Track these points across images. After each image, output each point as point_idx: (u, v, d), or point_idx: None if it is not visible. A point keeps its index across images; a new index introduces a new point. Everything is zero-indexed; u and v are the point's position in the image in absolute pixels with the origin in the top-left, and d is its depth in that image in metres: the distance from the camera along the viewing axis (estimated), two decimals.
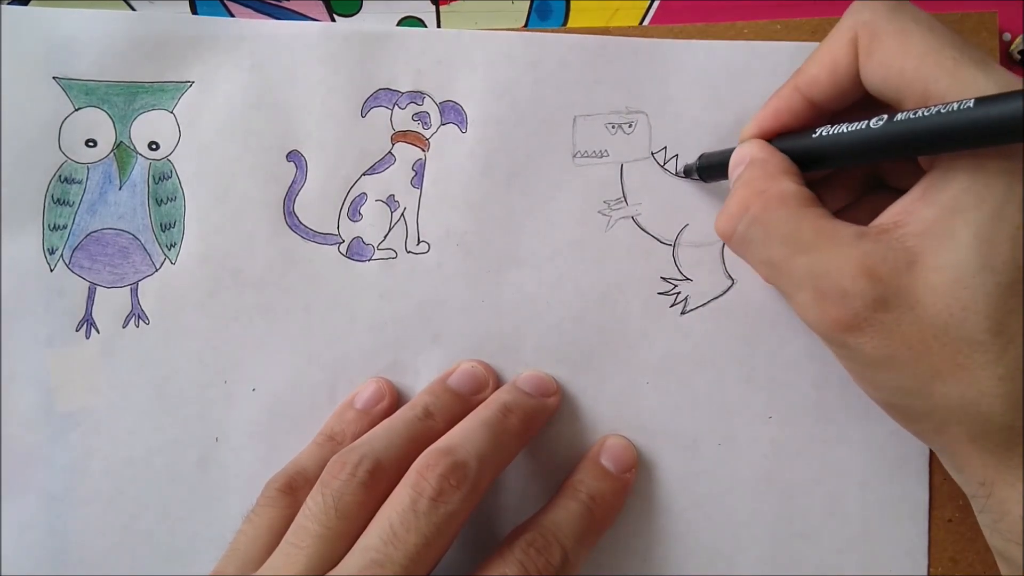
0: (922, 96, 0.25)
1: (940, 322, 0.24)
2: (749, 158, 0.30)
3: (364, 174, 0.36)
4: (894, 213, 0.26)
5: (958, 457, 0.27)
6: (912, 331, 0.25)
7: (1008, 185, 0.24)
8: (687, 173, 0.35)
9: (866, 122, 0.27)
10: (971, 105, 0.23)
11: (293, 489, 0.31)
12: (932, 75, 0.25)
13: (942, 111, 0.24)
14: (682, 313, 0.36)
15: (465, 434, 0.31)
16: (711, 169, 0.34)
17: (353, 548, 0.28)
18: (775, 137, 0.30)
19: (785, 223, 0.27)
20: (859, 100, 0.29)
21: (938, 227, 0.25)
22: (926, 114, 0.24)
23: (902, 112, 0.25)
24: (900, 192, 0.27)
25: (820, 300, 0.26)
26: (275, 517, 0.31)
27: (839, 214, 0.31)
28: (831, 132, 0.28)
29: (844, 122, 0.27)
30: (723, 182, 0.34)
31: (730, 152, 0.31)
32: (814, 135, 0.29)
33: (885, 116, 0.26)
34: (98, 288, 0.36)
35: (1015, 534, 0.26)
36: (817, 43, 0.35)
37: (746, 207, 0.28)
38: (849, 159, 0.28)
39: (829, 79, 0.28)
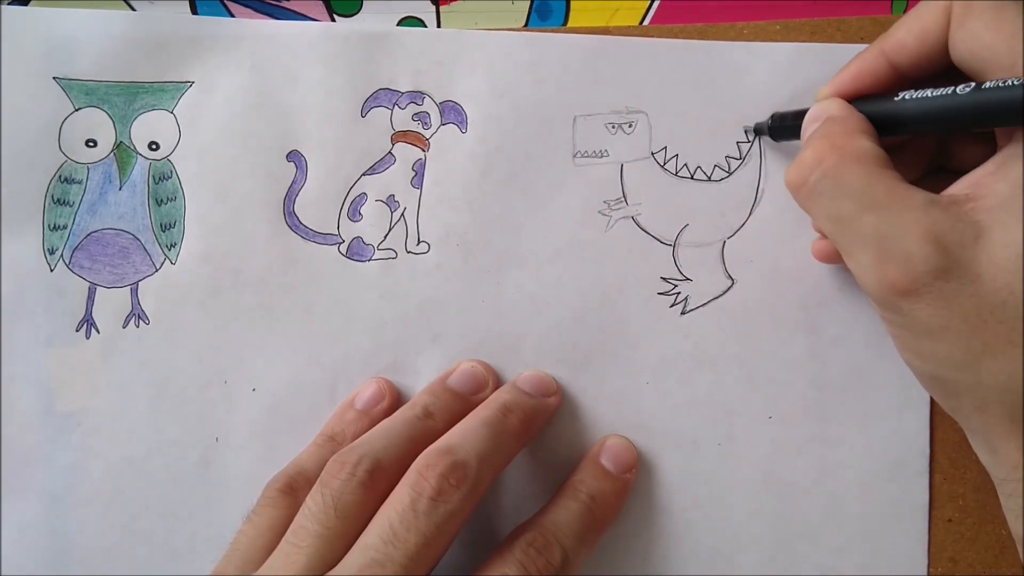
0: (1010, 72, 0.25)
1: (999, 298, 0.24)
2: (827, 115, 0.29)
3: (364, 174, 0.36)
4: (966, 185, 0.26)
5: (994, 438, 0.26)
6: (970, 304, 0.25)
7: None
8: (757, 132, 0.35)
9: (952, 88, 0.26)
10: None
11: (293, 489, 0.31)
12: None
13: None
14: (682, 313, 0.36)
15: (465, 434, 0.31)
16: (783, 128, 0.34)
17: (353, 548, 0.28)
18: (854, 99, 0.30)
19: (858, 179, 0.27)
20: (941, 71, 0.29)
21: (1008, 203, 0.25)
22: (1015, 83, 0.24)
23: (989, 81, 0.25)
24: (961, 175, 0.27)
25: (882, 261, 0.26)
26: (275, 517, 0.31)
27: None
28: (915, 96, 0.28)
29: (927, 88, 0.27)
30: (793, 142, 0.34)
31: (805, 111, 0.31)
32: (896, 98, 0.28)
33: (972, 83, 0.26)
34: (98, 288, 0.36)
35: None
36: (817, 43, 0.36)
37: (820, 159, 0.28)
38: (930, 125, 0.28)
39: (917, 45, 0.28)
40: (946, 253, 0.25)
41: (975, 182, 0.26)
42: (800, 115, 0.32)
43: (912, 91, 0.28)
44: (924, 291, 0.25)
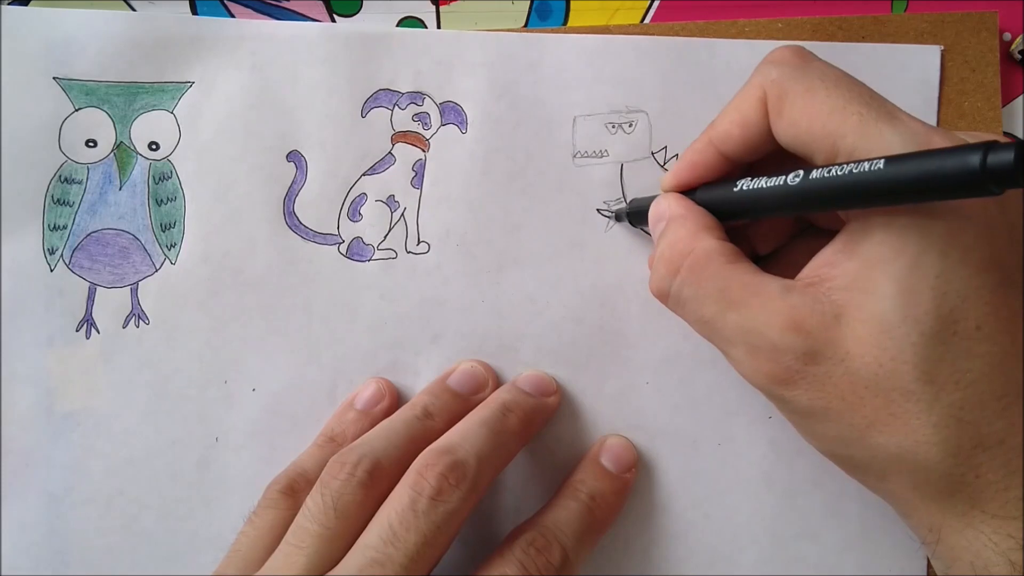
0: (832, 152, 0.26)
1: (870, 373, 0.25)
2: (668, 215, 0.30)
3: (364, 174, 0.36)
4: (817, 266, 0.26)
5: (903, 504, 0.27)
6: (844, 383, 0.25)
7: (923, 236, 0.24)
8: (618, 218, 0.36)
9: (783, 177, 0.26)
10: (881, 166, 0.23)
11: (294, 491, 0.31)
12: (839, 131, 0.25)
13: (854, 170, 0.24)
14: None
15: (464, 433, 0.31)
16: (638, 216, 0.34)
17: (353, 548, 0.28)
18: (697, 188, 0.31)
19: (713, 281, 0.27)
20: (773, 152, 0.29)
21: (860, 280, 0.25)
22: (839, 173, 0.24)
23: (817, 169, 0.25)
24: (830, 233, 0.27)
25: (753, 355, 0.27)
26: (276, 518, 0.31)
27: (771, 256, 0.32)
28: (750, 187, 0.28)
29: (763, 176, 0.27)
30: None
31: (652, 200, 0.32)
32: (735, 188, 0.29)
33: (802, 172, 0.26)
34: (98, 288, 0.36)
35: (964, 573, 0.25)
36: (819, 42, 0.36)
37: (675, 269, 0.28)
38: (768, 212, 0.28)
39: (741, 135, 0.29)
40: (810, 336, 0.25)
41: (826, 262, 0.26)
42: (648, 203, 0.32)
43: (748, 180, 0.28)
44: (797, 377, 0.26)
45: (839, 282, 0.25)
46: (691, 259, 0.28)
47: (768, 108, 0.28)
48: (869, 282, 0.25)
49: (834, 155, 0.26)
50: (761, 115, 0.28)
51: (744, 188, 0.28)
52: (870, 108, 0.25)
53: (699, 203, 0.30)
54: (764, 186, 0.27)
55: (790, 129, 0.27)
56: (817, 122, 0.26)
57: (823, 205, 0.26)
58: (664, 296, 0.29)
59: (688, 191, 0.31)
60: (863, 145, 0.25)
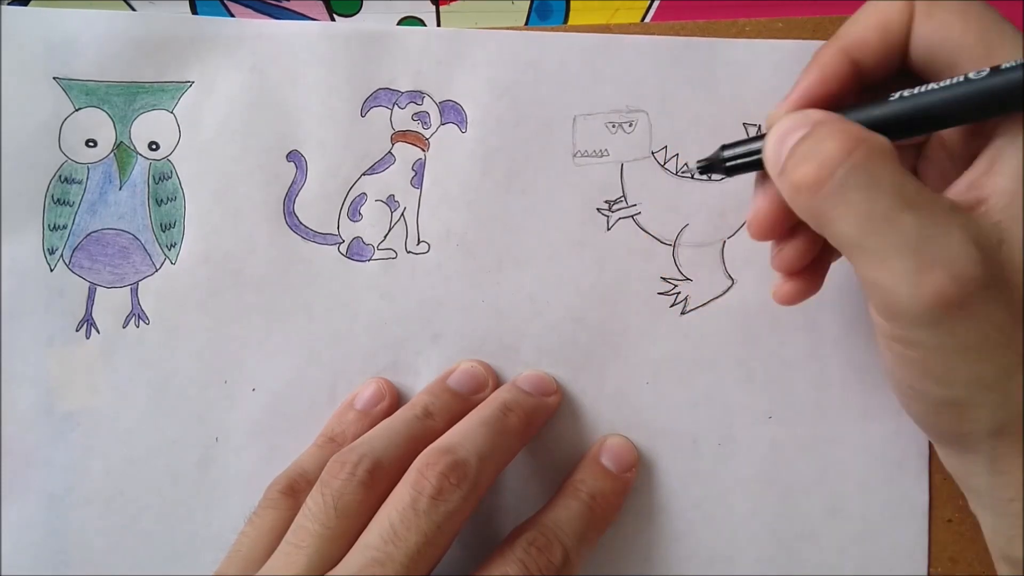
0: (981, 64, 0.24)
1: (997, 335, 0.23)
2: (813, 122, 0.25)
3: (364, 174, 0.36)
4: (967, 188, 0.24)
5: (1005, 460, 0.25)
6: (1003, 315, 0.23)
7: None
8: (704, 171, 0.29)
9: (960, 78, 0.24)
10: None
11: (295, 491, 0.31)
12: (996, 43, 0.24)
13: None
14: (682, 313, 0.36)
15: (465, 433, 0.31)
16: (739, 160, 0.28)
17: (354, 547, 0.28)
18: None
19: (892, 175, 0.23)
20: (896, 72, 0.27)
21: (1013, 189, 0.23)
22: None
23: (1005, 64, 0.23)
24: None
25: (926, 269, 0.23)
26: (277, 519, 0.31)
27: None
28: (914, 93, 0.25)
29: (907, 88, 0.25)
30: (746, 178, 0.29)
31: (762, 136, 0.27)
32: (892, 97, 0.25)
33: (985, 69, 0.24)
34: (98, 288, 0.36)
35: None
36: (818, 41, 0.35)
37: (848, 152, 0.24)
38: (931, 123, 0.25)
39: (880, 41, 0.26)
40: (987, 258, 0.23)
41: (973, 183, 0.24)
42: (760, 139, 0.27)
43: (906, 90, 0.25)
44: (969, 301, 0.23)
45: (996, 202, 0.23)
46: (867, 146, 0.24)
47: (915, 10, 0.25)
48: (1017, 190, 0.23)
49: (985, 66, 0.23)
50: (906, 18, 0.25)
51: (905, 95, 0.25)
52: (1015, 31, 0.24)
53: None
54: (937, 88, 0.24)
55: (940, 31, 0.25)
56: (971, 29, 0.24)
57: (1004, 106, 0.23)
58: (820, 183, 0.24)
59: None
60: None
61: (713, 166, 0.29)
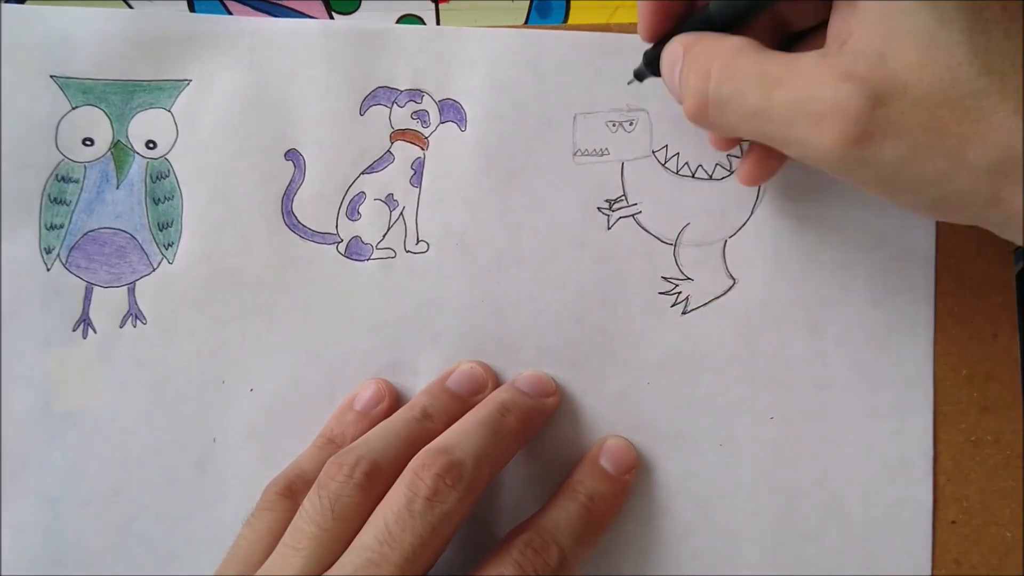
0: None
1: (937, 90, 0.24)
2: (681, 47, 0.28)
3: (363, 173, 0.36)
4: (836, 29, 0.26)
5: (1017, 214, 0.25)
6: (918, 113, 0.24)
7: None
8: (639, 77, 0.32)
9: None
10: None
11: (293, 492, 0.31)
12: None
13: None
14: (683, 313, 0.35)
15: (462, 433, 0.31)
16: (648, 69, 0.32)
17: (349, 548, 0.28)
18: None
19: (751, 68, 0.26)
20: None
21: (882, 11, 0.25)
22: None
23: None
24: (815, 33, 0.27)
25: (818, 125, 0.25)
26: (275, 520, 0.30)
27: None
28: None
29: None
30: None
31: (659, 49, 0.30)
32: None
33: None
34: (95, 288, 0.36)
35: None
36: None
37: (706, 73, 0.27)
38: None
39: None
40: (866, 81, 0.24)
41: (841, 20, 0.26)
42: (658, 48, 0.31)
43: None
44: (872, 129, 0.24)
45: (864, 25, 0.25)
46: (721, 58, 0.27)
47: None
48: (890, 7, 0.24)
49: None
50: None
51: None
52: None
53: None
54: None
55: None
56: None
57: None
58: (703, 108, 0.28)
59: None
60: None
61: (641, 73, 0.32)
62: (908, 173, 0.25)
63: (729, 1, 0.28)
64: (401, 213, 0.36)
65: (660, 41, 0.30)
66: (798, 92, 0.25)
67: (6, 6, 0.35)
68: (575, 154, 0.36)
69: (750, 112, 0.26)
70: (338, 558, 0.28)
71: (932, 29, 0.24)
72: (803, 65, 0.25)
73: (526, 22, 0.37)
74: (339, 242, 0.36)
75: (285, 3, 0.37)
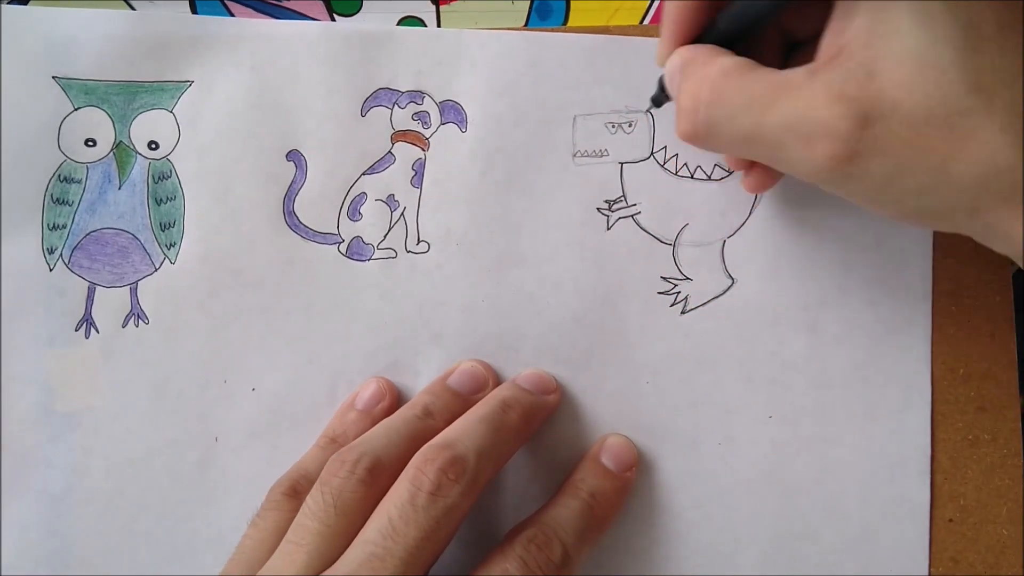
0: None
1: (925, 108, 0.24)
2: (680, 63, 0.29)
3: (364, 174, 0.36)
4: (829, 43, 0.26)
5: (999, 225, 0.26)
6: (904, 131, 0.25)
7: None
8: (656, 103, 0.33)
9: None
10: None
11: (297, 492, 0.31)
12: None
13: None
14: (682, 313, 0.36)
15: (463, 429, 0.31)
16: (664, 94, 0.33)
17: (352, 543, 0.28)
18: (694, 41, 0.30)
19: (739, 92, 0.27)
20: None
21: (874, 29, 0.25)
22: None
23: None
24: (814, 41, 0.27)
25: (808, 144, 0.25)
26: (280, 520, 0.31)
27: None
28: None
29: None
30: None
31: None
32: (722, 12, 0.29)
33: None
34: (97, 288, 0.36)
35: None
36: None
37: (696, 97, 0.28)
38: (768, 13, 0.28)
39: None
40: (855, 102, 0.25)
41: (835, 33, 0.26)
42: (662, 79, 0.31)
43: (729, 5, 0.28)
44: (860, 148, 0.25)
45: (856, 42, 0.25)
46: (709, 81, 0.27)
47: None
48: (884, 26, 0.25)
49: None
50: None
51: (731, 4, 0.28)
52: None
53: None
54: None
55: None
56: None
57: None
58: (693, 131, 0.28)
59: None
60: None
61: (659, 99, 0.33)
62: (893, 188, 0.26)
63: (734, 14, 0.28)
64: (402, 214, 0.36)
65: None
66: (788, 114, 0.26)
67: (8, 7, 0.36)
68: (575, 155, 0.36)
69: (741, 136, 0.27)
70: (341, 554, 0.28)
71: (924, 49, 0.24)
72: (792, 84, 0.26)
73: (526, 23, 0.37)
74: (340, 242, 0.36)
75: (287, 5, 0.37)
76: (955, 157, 0.25)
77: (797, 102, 0.25)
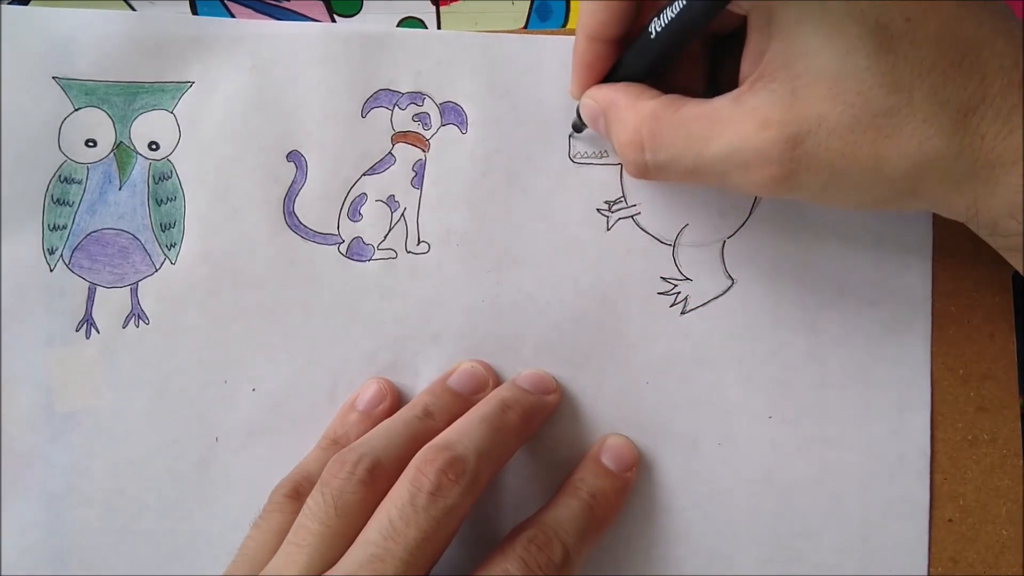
0: None
1: (850, 116, 0.26)
2: (599, 107, 0.31)
3: (364, 174, 0.36)
4: (749, 65, 0.28)
5: (943, 203, 0.28)
6: (835, 141, 0.26)
7: None
8: (576, 129, 0.36)
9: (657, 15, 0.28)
10: None
11: (299, 494, 0.31)
12: None
13: None
14: (682, 313, 0.36)
15: (463, 430, 0.31)
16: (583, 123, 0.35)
17: (353, 544, 0.28)
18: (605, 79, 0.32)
19: (675, 133, 0.28)
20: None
21: (789, 48, 0.26)
22: None
23: None
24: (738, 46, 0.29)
25: (747, 171, 0.27)
26: (282, 522, 0.31)
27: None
28: (660, 23, 0.29)
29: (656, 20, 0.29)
30: None
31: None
32: (650, 36, 0.29)
33: None
34: (98, 288, 0.36)
35: (1009, 228, 0.27)
36: None
37: (639, 144, 0.29)
38: (689, 34, 0.29)
39: (612, 15, 0.30)
40: (782, 124, 0.26)
41: (752, 56, 0.28)
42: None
43: (653, 21, 0.29)
44: (796, 166, 0.26)
45: (774, 63, 0.27)
46: (645, 128, 0.29)
47: None
48: (798, 43, 0.26)
49: None
50: None
51: (656, 29, 0.29)
52: None
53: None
54: (675, 10, 0.28)
55: None
56: None
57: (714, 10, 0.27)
58: (644, 173, 0.30)
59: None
60: None
61: (577, 128, 0.35)
62: (833, 191, 0.28)
63: (637, 55, 0.30)
64: (402, 214, 0.36)
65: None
66: (724, 148, 0.27)
67: (8, 7, 0.36)
68: (574, 156, 0.36)
69: (687, 170, 0.29)
70: (342, 554, 0.28)
71: (838, 64, 0.25)
72: (722, 117, 0.27)
73: (526, 24, 0.37)
74: (340, 243, 0.36)
75: (287, 5, 0.37)
76: (885, 155, 0.26)
77: (731, 135, 0.27)
